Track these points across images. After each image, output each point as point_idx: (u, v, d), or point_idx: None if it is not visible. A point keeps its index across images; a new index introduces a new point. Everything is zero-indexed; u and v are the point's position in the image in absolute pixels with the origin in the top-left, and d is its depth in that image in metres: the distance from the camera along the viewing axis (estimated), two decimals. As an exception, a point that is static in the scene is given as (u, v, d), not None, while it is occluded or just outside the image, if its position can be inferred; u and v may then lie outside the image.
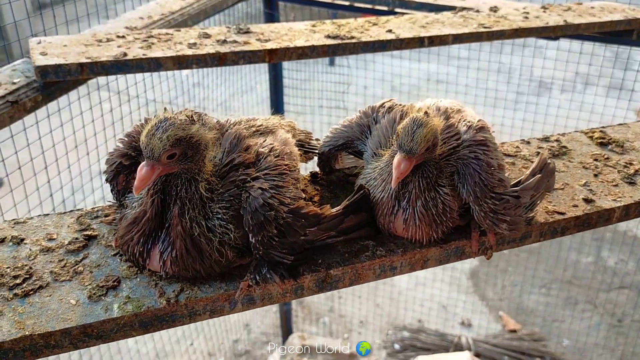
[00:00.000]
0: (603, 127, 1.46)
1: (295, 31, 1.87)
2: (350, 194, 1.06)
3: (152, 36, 1.75)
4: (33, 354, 0.85)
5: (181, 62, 1.62)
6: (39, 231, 1.03)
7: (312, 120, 4.23)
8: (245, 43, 1.73)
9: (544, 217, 1.14)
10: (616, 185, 1.25)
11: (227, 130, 1.02)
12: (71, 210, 1.08)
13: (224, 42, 1.73)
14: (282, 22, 2.10)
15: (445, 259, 1.09)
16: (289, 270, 0.96)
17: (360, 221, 1.04)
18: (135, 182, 0.86)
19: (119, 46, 1.66)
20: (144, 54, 1.60)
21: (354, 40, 1.80)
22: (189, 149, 0.89)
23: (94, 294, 0.91)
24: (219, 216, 0.92)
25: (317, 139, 1.24)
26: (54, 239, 1.01)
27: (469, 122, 1.10)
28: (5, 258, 0.96)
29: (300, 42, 1.76)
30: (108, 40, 1.70)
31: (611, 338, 4.05)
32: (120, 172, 0.99)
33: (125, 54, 1.60)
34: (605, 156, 1.34)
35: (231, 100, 5.83)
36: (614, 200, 1.20)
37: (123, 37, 1.73)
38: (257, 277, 0.94)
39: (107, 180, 1.00)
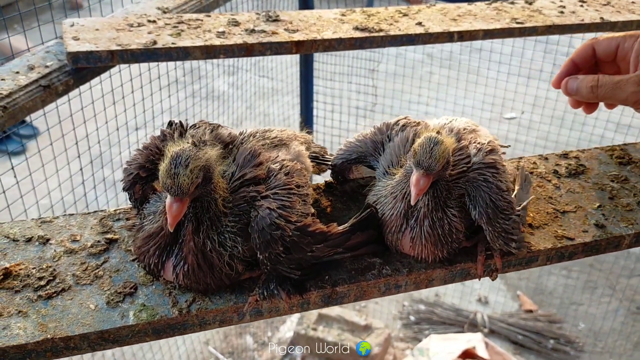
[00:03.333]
0: (625, 144, 1.45)
1: (324, 20, 1.87)
2: (361, 206, 1.09)
3: (182, 22, 1.77)
4: (54, 354, 0.92)
5: (209, 52, 1.65)
6: (64, 232, 1.09)
7: (341, 87, 4.22)
8: (273, 33, 1.74)
9: (552, 242, 1.16)
10: (630, 210, 1.25)
11: (241, 144, 1.05)
12: (95, 211, 1.14)
13: (252, 31, 1.74)
14: (312, 10, 2.09)
15: (450, 279, 1.12)
16: (296, 286, 1.01)
17: (367, 238, 1.07)
18: (169, 220, 0.89)
19: (149, 32, 1.68)
20: (173, 43, 1.63)
21: (381, 34, 1.80)
22: (207, 172, 0.92)
23: (112, 299, 0.97)
24: (229, 229, 0.97)
25: (331, 154, 1.26)
26: (78, 240, 1.07)
27: (479, 143, 1.11)
28: (32, 258, 1.03)
29: (327, 34, 1.76)
30: (139, 25, 1.73)
31: (628, 324, 4.05)
32: (137, 183, 1.04)
33: (154, 42, 1.62)
34: (623, 177, 1.34)
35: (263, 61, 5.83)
36: (626, 226, 1.21)
37: (154, 21, 1.76)
38: (265, 292, 0.99)
39: (124, 189, 1.05)
